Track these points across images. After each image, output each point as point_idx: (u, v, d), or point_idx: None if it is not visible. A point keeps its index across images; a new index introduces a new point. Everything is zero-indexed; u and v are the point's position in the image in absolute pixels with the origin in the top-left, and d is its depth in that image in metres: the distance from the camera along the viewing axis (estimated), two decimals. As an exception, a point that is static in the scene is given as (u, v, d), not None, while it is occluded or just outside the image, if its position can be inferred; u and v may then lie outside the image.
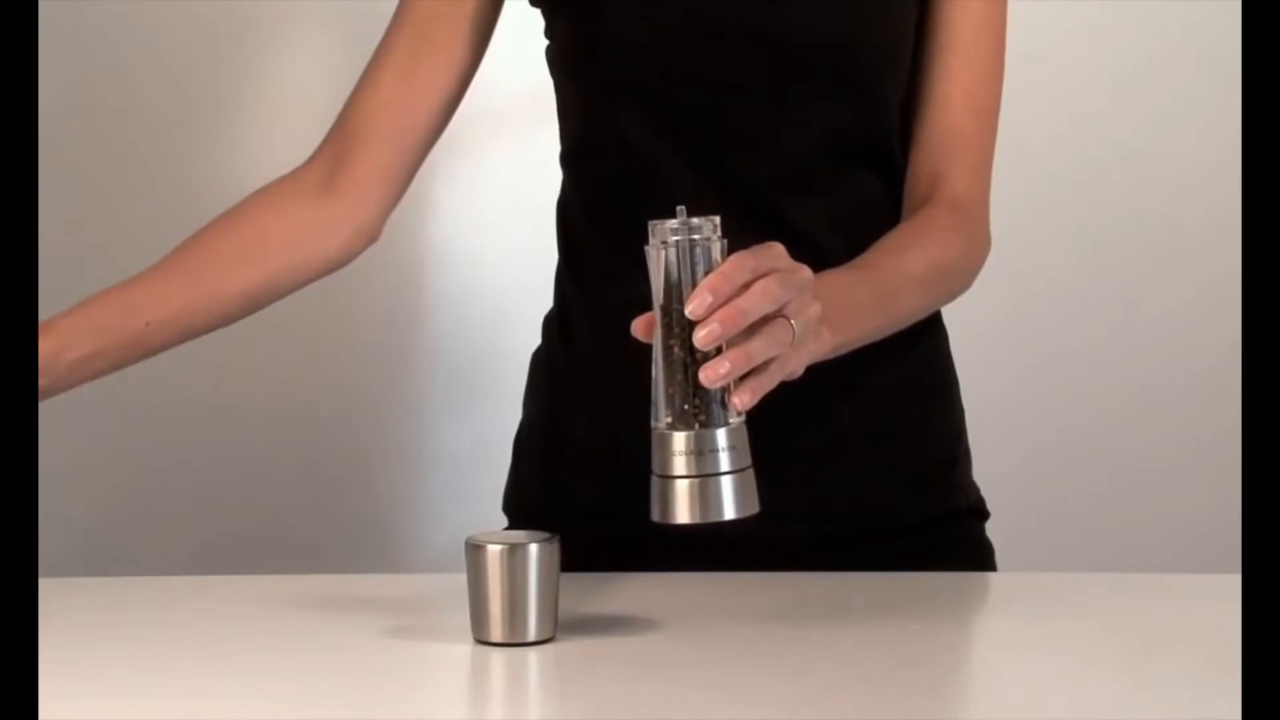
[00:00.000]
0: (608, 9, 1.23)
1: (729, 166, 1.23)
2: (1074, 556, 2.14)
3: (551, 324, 1.34)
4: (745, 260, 0.97)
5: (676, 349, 0.97)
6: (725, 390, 0.96)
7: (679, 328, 0.97)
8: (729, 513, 0.96)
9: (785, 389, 1.00)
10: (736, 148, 1.23)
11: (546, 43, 1.30)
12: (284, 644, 1.03)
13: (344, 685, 0.94)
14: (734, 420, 0.97)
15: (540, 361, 1.35)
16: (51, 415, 1.90)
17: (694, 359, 0.96)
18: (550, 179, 1.34)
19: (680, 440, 0.96)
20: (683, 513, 0.96)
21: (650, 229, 0.98)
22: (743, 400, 0.96)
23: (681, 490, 0.96)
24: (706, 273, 0.96)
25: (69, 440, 2.01)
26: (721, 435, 0.96)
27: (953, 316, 1.32)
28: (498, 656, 0.99)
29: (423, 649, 1.02)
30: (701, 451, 0.96)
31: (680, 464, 0.96)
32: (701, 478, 0.96)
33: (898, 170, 1.29)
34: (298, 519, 2.09)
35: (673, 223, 0.97)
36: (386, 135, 1.28)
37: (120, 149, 2.05)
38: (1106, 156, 2.19)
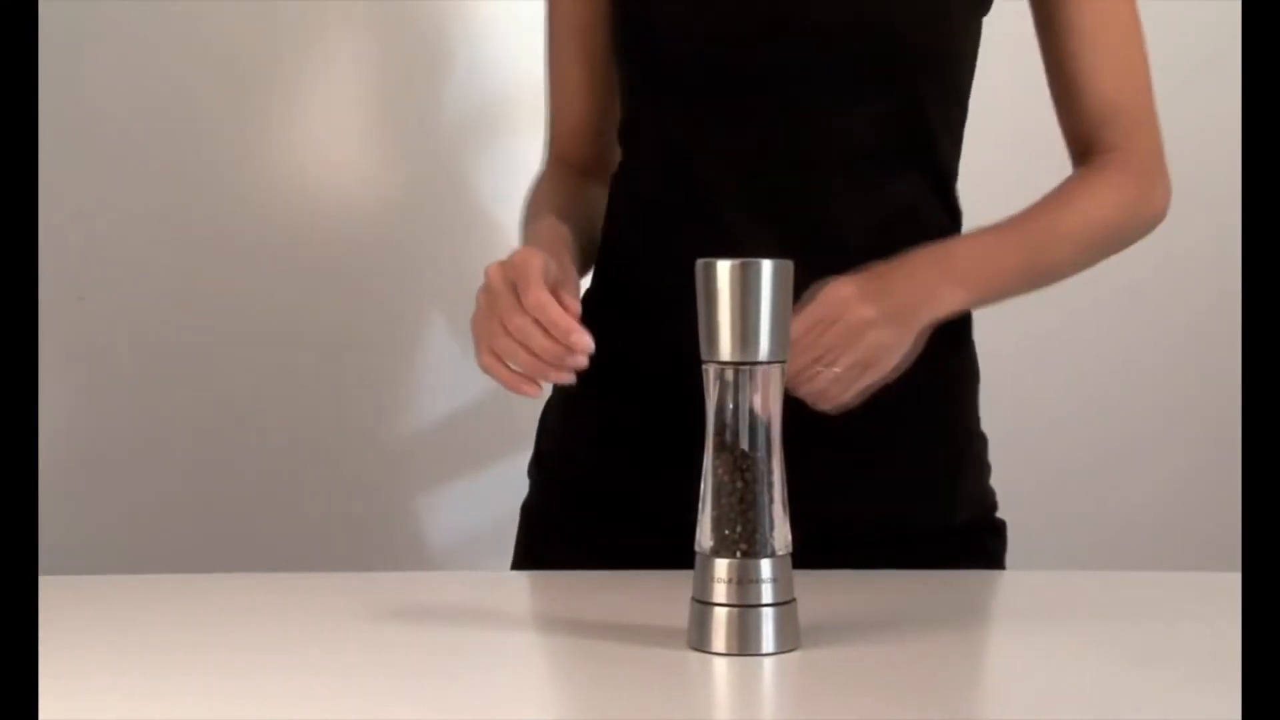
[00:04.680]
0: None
1: (761, 163, 1.21)
2: (1072, 556, 2.14)
3: (585, 304, 1.32)
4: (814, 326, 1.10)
5: (724, 473, 0.95)
6: (771, 520, 0.94)
7: (731, 453, 0.95)
8: (768, 646, 0.94)
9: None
10: (770, 144, 1.21)
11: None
12: (286, 643, 1.03)
13: (350, 686, 0.94)
14: (780, 551, 0.95)
15: None
16: (52, 415, 1.90)
17: (744, 483, 0.94)
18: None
19: (723, 567, 0.94)
20: (719, 642, 0.94)
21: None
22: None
23: (720, 619, 0.94)
24: (758, 398, 0.94)
25: (71, 440, 2.01)
26: (766, 566, 0.94)
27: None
28: (512, 655, 0.99)
29: (424, 647, 1.02)
30: (744, 581, 0.93)
31: (721, 591, 0.94)
32: (742, 608, 0.93)
33: (942, 171, 1.26)
34: (300, 518, 2.09)
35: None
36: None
37: (122, 149, 2.05)
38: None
